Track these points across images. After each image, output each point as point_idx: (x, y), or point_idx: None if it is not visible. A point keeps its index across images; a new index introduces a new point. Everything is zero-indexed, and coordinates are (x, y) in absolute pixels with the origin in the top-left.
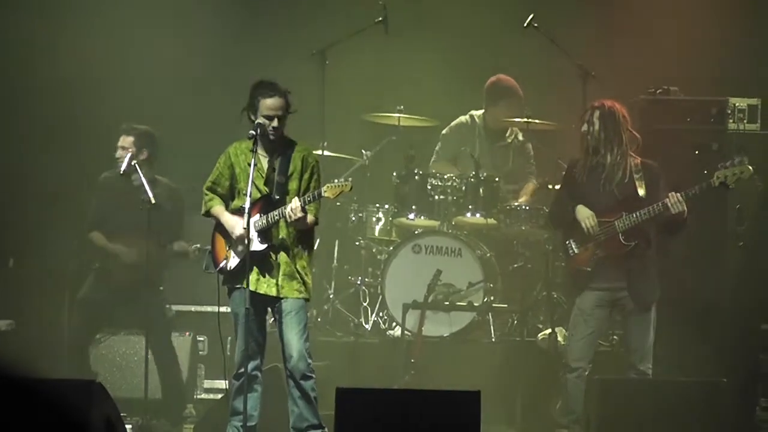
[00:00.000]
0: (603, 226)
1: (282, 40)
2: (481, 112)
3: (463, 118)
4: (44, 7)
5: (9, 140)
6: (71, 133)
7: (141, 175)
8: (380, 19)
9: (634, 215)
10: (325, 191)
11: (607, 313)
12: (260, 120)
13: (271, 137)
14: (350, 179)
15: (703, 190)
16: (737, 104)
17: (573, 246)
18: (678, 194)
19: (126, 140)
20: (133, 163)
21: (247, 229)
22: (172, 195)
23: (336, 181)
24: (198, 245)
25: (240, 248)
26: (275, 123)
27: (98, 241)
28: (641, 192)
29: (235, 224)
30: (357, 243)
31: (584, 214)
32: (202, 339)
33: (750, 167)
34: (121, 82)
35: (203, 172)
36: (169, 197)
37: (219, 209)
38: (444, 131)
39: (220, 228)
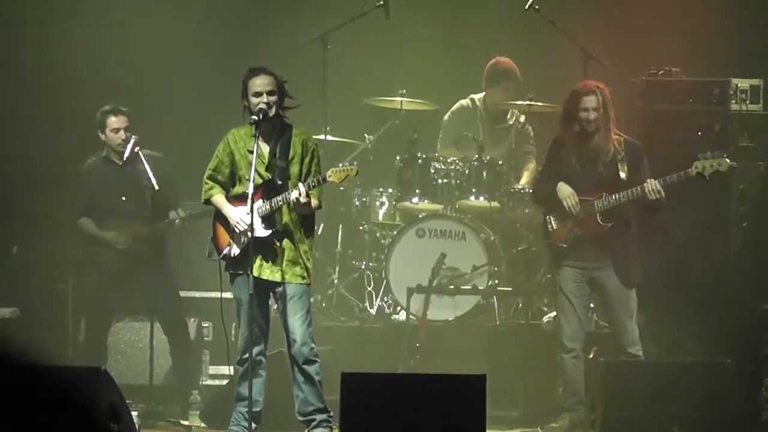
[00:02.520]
0: (583, 205)
1: (283, 25)
2: (481, 95)
3: (463, 102)
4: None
5: (12, 127)
6: (75, 120)
7: (144, 162)
8: (381, 3)
9: (613, 197)
10: (330, 176)
11: (587, 292)
12: (252, 101)
13: (262, 108)
14: (355, 163)
15: (681, 178)
16: (739, 85)
17: (552, 222)
18: (656, 181)
19: (120, 120)
20: (136, 150)
21: (251, 215)
22: (162, 165)
23: (341, 165)
24: (184, 213)
25: (243, 236)
26: (264, 99)
27: (88, 227)
28: (622, 174)
29: (239, 219)
30: (361, 227)
31: (565, 192)
32: (206, 325)
33: (728, 161)
34: (119, 69)
35: (200, 160)
36: (160, 169)
37: (219, 198)
38: (445, 118)
39: (221, 216)
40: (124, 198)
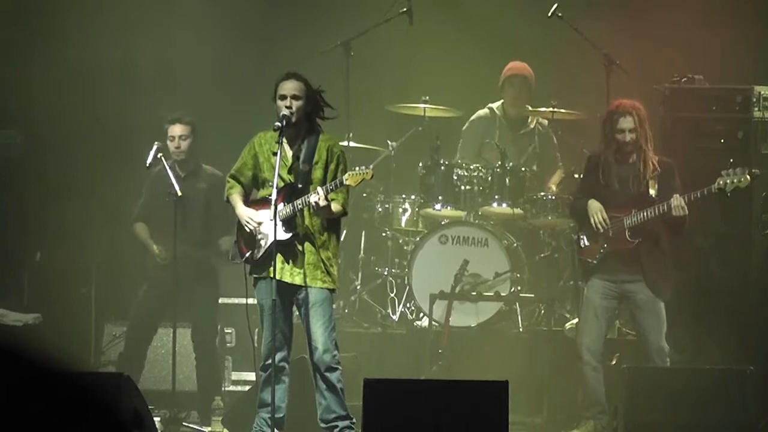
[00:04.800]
0: (613, 222)
1: (307, 31)
2: (499, 103)
3: (481, 112)
4: (66, 5)
5: (34, 135)
6: (96, 128)
7: (167, 167)
8: (404, 9)
9: (641, 214)
10: (346, 179)
11: (614, 305)
12: (277, 104)
13: (285, 114)
14: (371, 166)
15: (703, 195)
16: (762, 92)
17: (584, 239)
18: (681, 198)
19: (182, 128)
20: (159, 156)
21: (274, 218)
22: (219, 183)
23: (357, 168)
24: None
25: (265, 238)
26: (288, 102)
27: (140, 233)
28: (652, 191)
29: (248, 218)
30: (384, 234)
31: (594, 208)
32: (229, 331)
33: (748, 177)
34: (145, 78)
35: (224, 165)
36: (216, 186)
37: (236, 198)
38: (464, 127)
39: None
40: (179, 210)
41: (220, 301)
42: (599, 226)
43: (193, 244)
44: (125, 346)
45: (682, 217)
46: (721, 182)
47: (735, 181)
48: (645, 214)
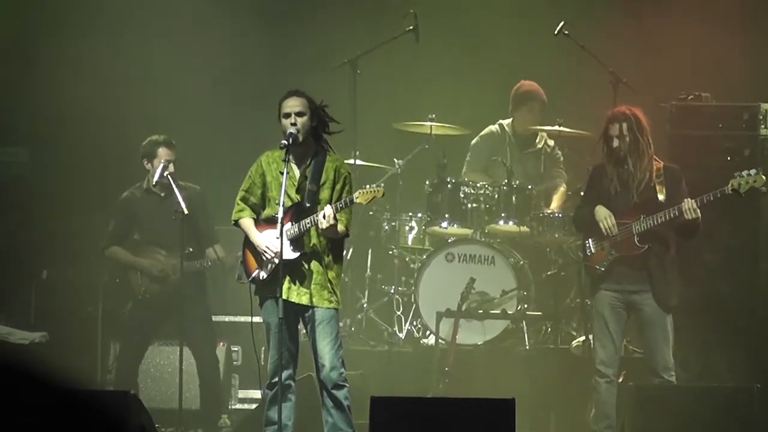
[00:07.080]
0: (621, 228)
1: (313, 50)
2: (509, 121)
3: (492, 128)
4: (71, 22)
5: (40, 153)
6: (102, 146)
7: (174, 186)
8: (411, 27)
9: (651, 219)
10: (357, 197)
11: (624, 317)
12: (282, 122)
13: (292, 132)
14: (382, 184)
15: (716, 197)
16: None
17: (591, 245)
18: (692, 201)
19: (171, 153)
20: (165, 174)
21: (281, 237)
22: (201, 198)
23: (368, 186)
24: (223, 251)
25: (272, 259)
26: (292, 120)
27: (120, 255)
28: (661, 196)
29: (266, 247)
30: (390, 252)
31: (602, 214)
32: (236, 349)
33: (764, 177)
34: (151, 96)
35: (232, 182)
36: (198, 201)
37: (248, 223)
38: (473, 141)
39: (249, 240)
40: (165, 229)
41: (226, 319)
42: (609, 231)
43: (184, 262)
44: (117, 368)
45: (694, 221)
46: (734, 183)
47: (750, 181)
48: (655, 219)
